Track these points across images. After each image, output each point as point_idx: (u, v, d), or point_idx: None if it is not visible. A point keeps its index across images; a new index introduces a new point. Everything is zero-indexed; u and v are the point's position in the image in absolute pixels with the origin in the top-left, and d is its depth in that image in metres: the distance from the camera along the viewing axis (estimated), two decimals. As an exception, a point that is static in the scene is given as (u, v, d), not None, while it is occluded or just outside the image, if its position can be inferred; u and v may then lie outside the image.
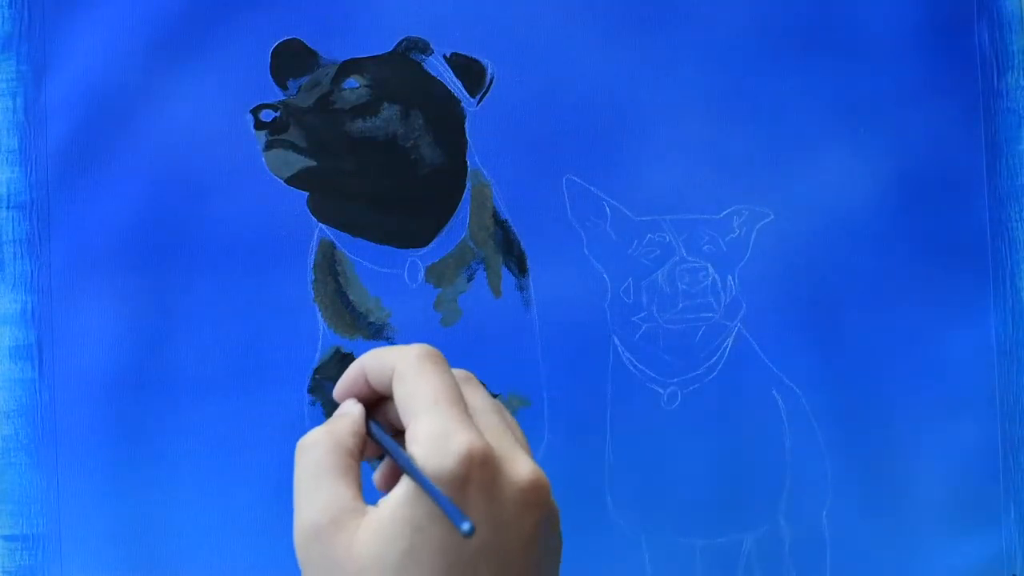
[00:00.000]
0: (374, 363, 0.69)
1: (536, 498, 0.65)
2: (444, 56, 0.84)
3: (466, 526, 0.61)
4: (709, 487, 0.84)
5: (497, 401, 0.69)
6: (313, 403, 0.84)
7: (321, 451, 0.67)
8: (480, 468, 0.64)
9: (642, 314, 0.85)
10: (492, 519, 0.64)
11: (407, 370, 0.67)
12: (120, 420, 0.83)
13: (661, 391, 0.85)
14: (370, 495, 0.65)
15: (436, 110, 0.84)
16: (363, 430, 0.69)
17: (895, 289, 0.85)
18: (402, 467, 0.64)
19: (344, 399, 0.70)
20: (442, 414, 0.65)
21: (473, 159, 0.84)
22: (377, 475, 0.70)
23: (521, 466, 0.65)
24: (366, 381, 0.69)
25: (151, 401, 0.83)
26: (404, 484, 0.64)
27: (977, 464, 0.85)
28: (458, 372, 0.69)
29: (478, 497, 0.64)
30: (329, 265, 0.84)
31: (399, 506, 0.64)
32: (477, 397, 0.68)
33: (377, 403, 0.69)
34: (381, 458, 0.70)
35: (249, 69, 0.84)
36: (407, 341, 0.84)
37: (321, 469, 0.67)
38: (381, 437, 0.68)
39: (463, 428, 0.64)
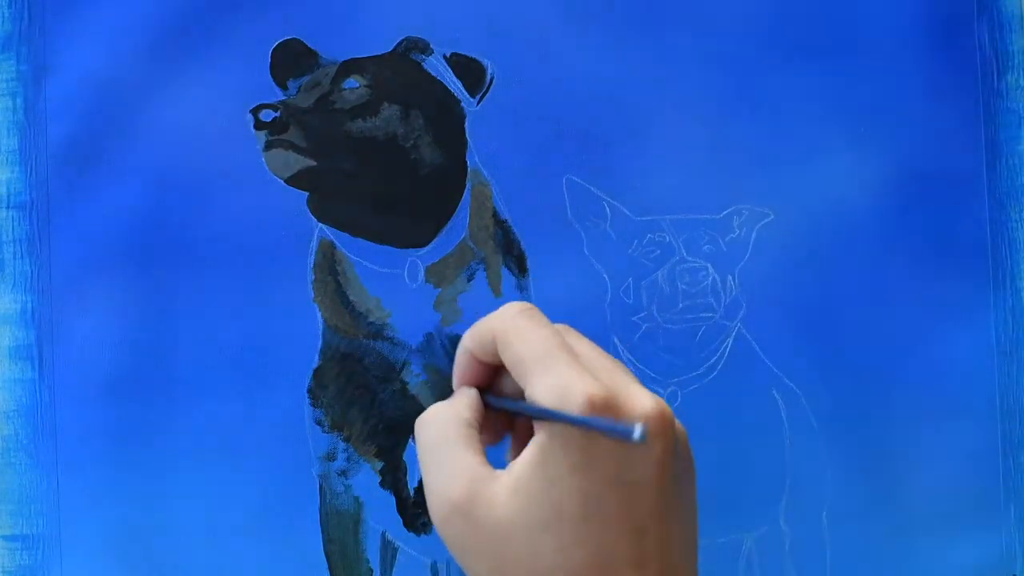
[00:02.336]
0: (475, 337, 0.70)
1: (660, 427, 0.66)
2: (444, 56, 0.84)
3: (637, 431, 0.62)
4: (709, 487, 0.84)
5: (598, 347, 0.70)
6: (313, 404, 0.84)
7: (443, 422, 0.69)
8: (603, 411, 0.65)
9: (642, 314, 0.85)
10: (621, 456, 0.66)
11: (507, 333, 0.69)
12: (120, 420, 0.83)
13: (661, 391, 0.85)
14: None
15: (436, 110, 0.84)
16: (480, 405, 0.70)
17: (895, 289, 0.85)
18: (538, 416, 0.66)
19: (462, 386, 0.71)
20: (554, 367, 0.66)
21: (473, 159, 0.84)
22: (509, 455, 0.71)
23: (640, 400, 0.66)
24: (475, 359, 0.71)
25: (151, 401, 0.83)
26: (532, 445, 0.66)
27: (977, 464, 0.85)
28: (557, 326, 0.70)
29: (602, 439, 0.65)
30: (329, 265, 0.84)
31: (531, 464, 0.66)
32: (582, 344, 0.70)
33: (492, 382, 0.71)
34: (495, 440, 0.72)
35: (249, 69, 0.84)
36: (407, 342, 0.84)
37: (446, 440, 0.68)
38: (503, 403, 0.69)
39: (578, 376, 0.66)
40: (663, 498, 0.66)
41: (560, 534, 0.65)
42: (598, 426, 0.64)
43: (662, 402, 0.67)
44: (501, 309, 0.70)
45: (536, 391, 0.66)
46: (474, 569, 0.68)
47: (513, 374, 0.68)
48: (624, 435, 0.63)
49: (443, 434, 0.68)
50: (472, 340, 0.71)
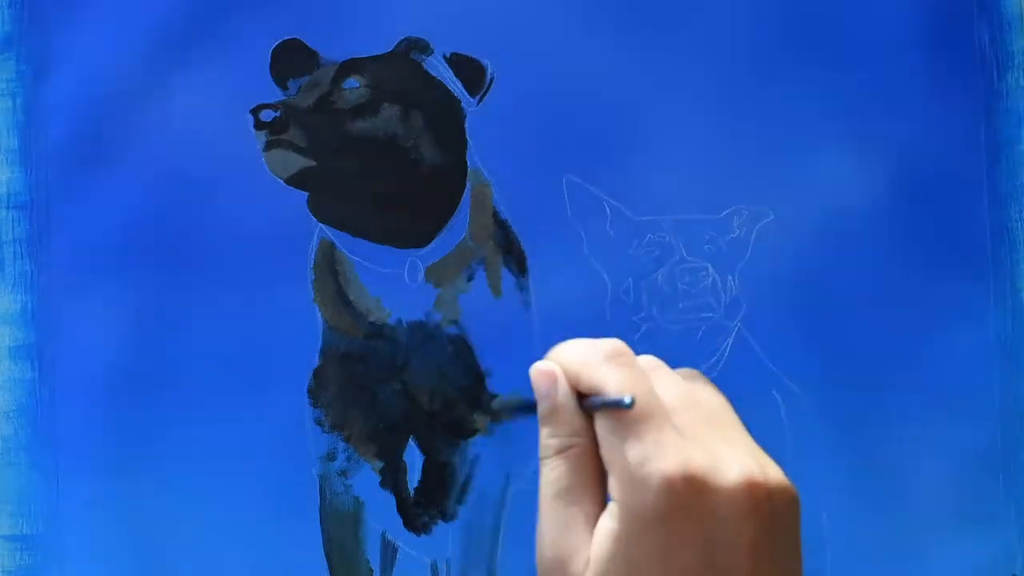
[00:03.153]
0: (561, 363, 0.63)
1: (751, 501, 0.59)
2: (444, 56, 0.84)
3: (627, 399, 0.58)
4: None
5: (692, 383, 0.63)
6: (313, 404, 0.84)
7: (570, 463, 0.62)
8: (683, 490, 0.58)
9: (642, 314, 0.85)
10: (707, 542, 0.59)
11: (592, 378, 0.61)
12: (120, 420, 0.83)
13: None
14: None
15: (436, 110, 0.84)
16: (595, 442, 0.62)
17: (895, 289, 0.85)
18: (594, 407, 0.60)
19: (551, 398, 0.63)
20: (632, 437, 0.59)
21: (473, 159, 0.84)
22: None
23: (729, 471, 0.59)
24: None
25: (151, 401, 0.83)
26: (609, 518, 0.60)
27: (977, 464, 0.85)
28: (645, 361, 0.63)
29: (686, 525, 0.59)
30: (329, 265, 0.84)
31: (612, 545, 0.59)
32: (670, 387, 0.62)
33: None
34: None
35: (249, 69, 0.84)
36: (407, 341, 0.84)
37: (571, 479, 0.62)
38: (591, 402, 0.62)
39: (656, 452, 0.59)
40: (755, 550, 0.60)
41: None
42: (596, 402, 0.60)
43: (754, 471, 0.59)
44: (591, 348, 0.62)
45: (609, 460, 0.60)
46: None
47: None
48: (615, 404, 0.59)
49: (562, 484, 0.62)
50: (559, 365, 0.63)
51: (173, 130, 0.83)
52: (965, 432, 0.85)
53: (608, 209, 0.85)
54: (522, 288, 0.84)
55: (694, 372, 0.64)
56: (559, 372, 0.63)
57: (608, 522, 0.60)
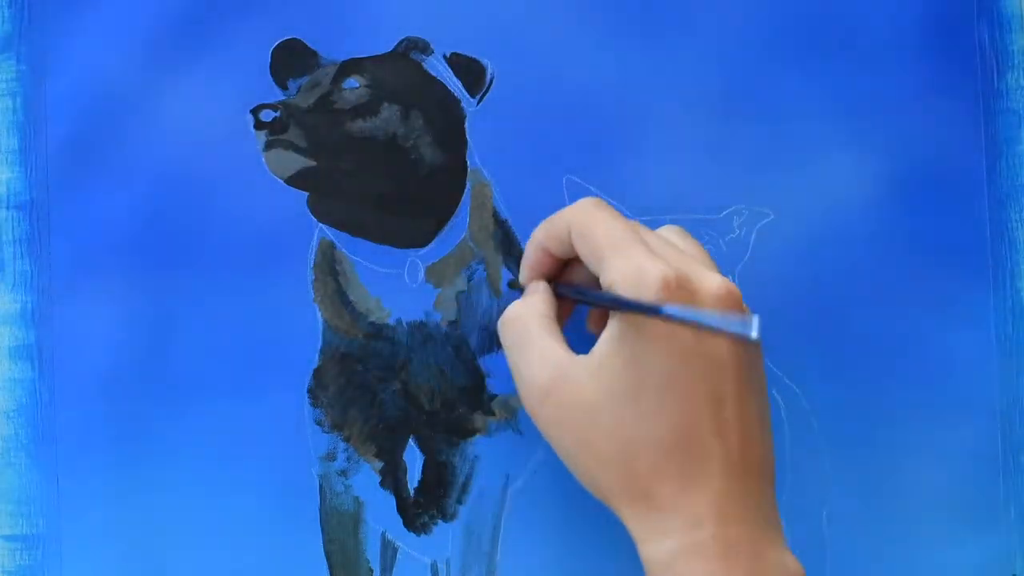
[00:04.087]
0: (549, 230, 0.76)
1: (732, 303, 0.71)
2: (444, 56, 0.84)
3: (754, 330, 0.66)
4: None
5: (679, 229, 0.75)
6: (313, 404, 0.84)
7: (523, 319, 0.74)
8: (678, 291, 0.70)
9: (642, 314, 0.85)
10: (698, 333, 0.70)
11: (584, 223, 0.73)
12: (120, 420, 0.83)
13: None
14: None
15: (436, 110, 0.84)
16: (554, 298, 0.76)
17: (895, 289, 0.85)
18: (619, 307, 0.71)
19: (531, 281, 0.77)
20: (629, 253, 0.71)
21: (473, 159, 0.84)
22: (588, 324, 0.77)
23: (711, 280, 0.71)
24: (547, 253, 0.76)
25: (151, 401, 0.83)
26: (611, 323, 0.71)
27: (977, 465, 0.85)
28: (631, 221, 0.74)
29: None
30: (329, 265, 0.84)
31: (612, 341, 0.71)
32: (651, 235, 0.74)
33: (560, 276, 0.77)
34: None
35: (249, 69, 0.84)
36: (407, 341, 0.84)
37: (529, 334, 0.74)
38: (575, 291, 0.75)
39: (651, 260, 0.70)
40: (739, 370, 0.71)
41: (643, 405, 0.70)
42: (711, 324, 0.68)
43: (730, 282, 0.71)
44: (576, 203, 0.74)
45: (611, 275, 0.71)
46: (565, 447, 0.73)
47: (587, 262, 0.73)
48: (742, 333, 0.66)
49: (525, 329, 0.74)
50: (545, 233, 0.76)
51: (173, 130, 0.83)
52: (965, 432, 0.85)
53: (608, 209, 0.85)
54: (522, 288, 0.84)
55: (636, 222, 0.75)
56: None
57: (608, 329, 0.71)
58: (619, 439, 0.70)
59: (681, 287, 0.70)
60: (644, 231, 0.74)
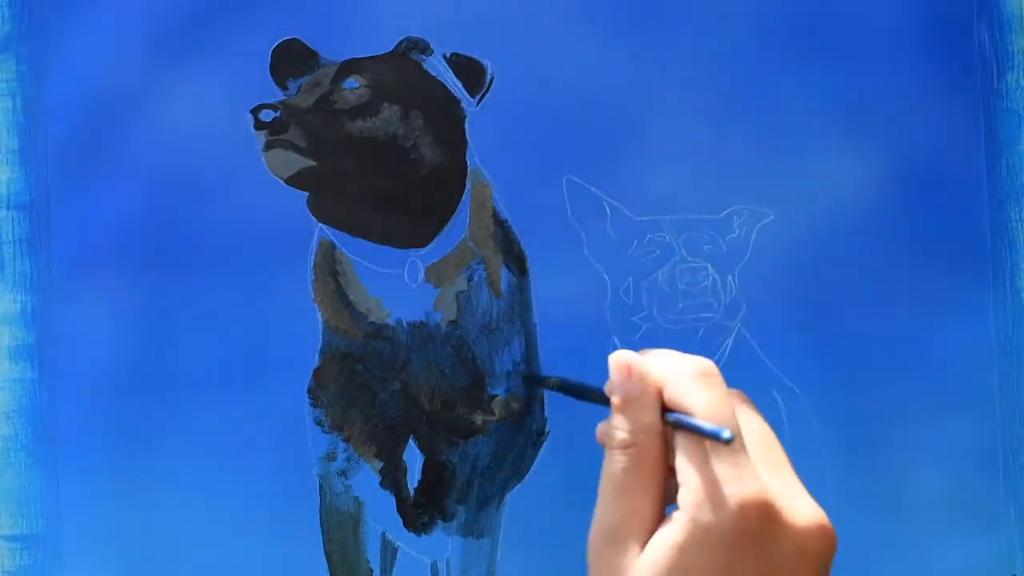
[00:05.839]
0: (650, 369, 0.65)
1: (818, 546, 0.62)
2: (444, 56, 0.84)
3: (726, 433, 0.59)
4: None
5: (769, 427, 0.65)
6: (313, 404, 0.84)
7: (633, 461, 0.64)
8: (756, 516, 0.61)
9: (642, 314, 0.85)
10: (765, 570, 0.61)
11: (680, 392, 0.64)
12: (120, 420, 0.83)
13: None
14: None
15: (436, 110, 0.84)
16: (665, 429, 0.65)
17: (895, 289, 0.85)
18: (687, 426, 0.62)
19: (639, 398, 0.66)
20: (714, 457, 0.62)
21: (473, 159, 0.84)
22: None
23: (802, 510, 0.62)
24: (657, 389, 0.65)
25: (151, 401, 0.83)
26: (677, 527, 0.62)
27: (977, 464, 0.85)
28: (731, 392, 0.65)
29: (751, 549, 0.61)
30: (329, 265, 0.84)
31: (670, 555, 0.62)
32: (753, 422, 0.65)
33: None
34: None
35: (249, 69, 0.84)
36: (407, 341, 0.84)
37: (630, 477, 0.64)
38: (678, 419, 0.65)
39: (735, 475, 0.61)
40: None
41: None
42: (691, 425, 0.61)
43: (824, 517, 0.63)
44: (684, 361, 0.65)
45: (689, 478, 0.62)
46: None
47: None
48: (713, 435, 0.60)
49: (630, 473, 0.64)
50: (648, 370, 0.66)
51: (173, 130, 0.83)
52: (965, 432, 0.85)
53: (608, 209, 0.85)
54: (522, 288, 0.84)
55: (742, 394, 0.66)
56: (639, 368, 0.65)
57: (672, 532, 0.62)
58: None
59: (763, 515, 0.61)
60: (747, 414, 0.65)
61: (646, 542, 0.63)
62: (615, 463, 0.65)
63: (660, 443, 0.64)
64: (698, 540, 0.61)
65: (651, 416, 0.65)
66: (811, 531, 0.62)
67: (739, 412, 0.65)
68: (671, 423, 0.63)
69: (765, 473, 0.62)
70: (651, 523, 0.63)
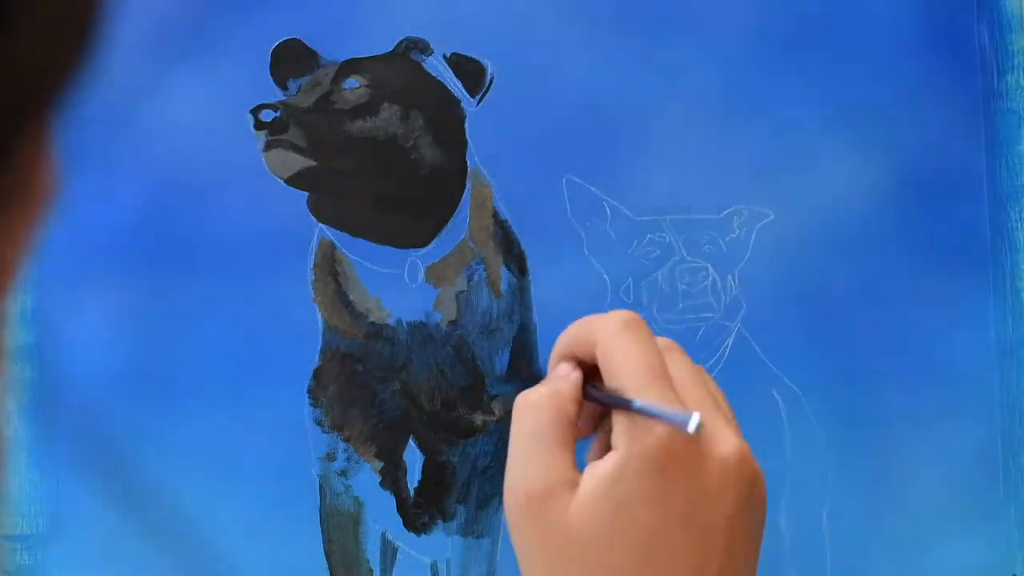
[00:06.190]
0: (576, 340, 0.70)
1: (738, 475, 0.66)
2: (444, 56, 0.84)
3: (692, 424, 0.63)
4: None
5: (702, 370, 0.69)
6: (313, 404, 0.84)
7: (543, 416, 0.68)
8: (684, 445, 0.65)
9: (642, 314, 0.85)
10: (693, 496, 0.65)
11: (610, 342, 0.68)
12: (120, 420, 0.83)
13: (661, 391, 0.85)
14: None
15: (436, 110, 0.84)
16: (581, 396, 0.70)
17: (895, 289, 0.85)
18: (642, 411, 0.66)
19: (568, 370, 0.70)
20: (646, 394, 0.66)
21: (473, 159, 0.84)
22: (589, 454, 0.71)
23: (725, 443, 0.66)
24: (573, 357, 0.70)
25: (151, 401, 0.83)
26: (609, 461, 0.66)
27: (977, 465, 0.85)
28: (661, 341, 0.69)
29: (679, 475, 0.65)
30: (329, 265, 0.84)
31: (605, 482, 0.65)
32: (681, 367, 0.69)
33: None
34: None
35: (249, 69, 0.84)
36: (407, 341, 0.84)
37: (541, 434, 0.68)
38: (598, 396, 0.69)
39: (662, 403, 0.65)
40: (730, 545, 0.66)
41: (620, 558, 0.66)
42: (655, 413, 0.64)
43: (746, 448, 0.66)
44: (609, 316, 0.69)
45: (621, 412, 0.66)
46: (530, 563, 0.69)
47: (607, 383, 0.68)
48: (679, 423, 0.63)
49: (543, 427, 0.68)
50: (573, 342, 0.70)
51: (173, 130, 0.83)
52: (965, 432, 0.85)
53: (608, 209, 0.85)
54: (522, 288, 0.84)
55: (670, 341, 0.70)
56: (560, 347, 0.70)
57: (605, 465, 0.66)
58: None
59: (690, 442, 0.65)
60: (677, 360, 0.69)
61: (572, 491, 0.66)
62: (539, 413, 0.68)
63: (577, 393, 0.69)
64: (631, 469, 0.65)
65: (568, 369, 0.70)
66: (732, 458, 0.65)
67: (667, 355, 0.69)
68: (638, 410, 0.65)
69: (691, 407, 0.66)
70: (573, 473, 0.67)
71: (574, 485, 0.67)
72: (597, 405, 0.71)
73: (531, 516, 0.67)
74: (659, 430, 0.65)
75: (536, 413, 0.69)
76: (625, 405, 0.66)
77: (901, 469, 0.85)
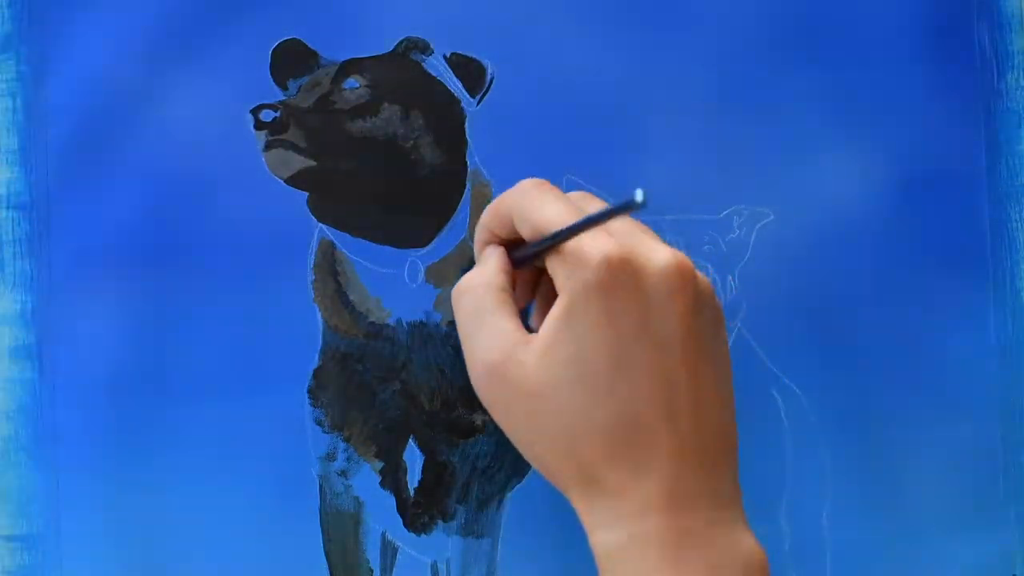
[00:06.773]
0: (494, 214, 0.74)
1: (680, 280, 0.69)
2: (444, 56, 0.84)
3: (639, 195, 0.65)
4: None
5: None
6: (313, 404, 0.84)
7: (479, 292, 0.72)
8: (620, 266, 0.68)
9: (642, 314, 0.85)
10: (642, 311, 0.68)
11: (525, 207, 0.72)
12: (120, 420, 0.83)
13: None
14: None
15: (436, 110, 0.84)
16: (509, 265, 0.73)
17: (895, 289, 0.85)
18: (567, 234, 0.69)
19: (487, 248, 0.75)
20: (575, 239, 0.69)
21: (473, 159, 0.84)
22: (533, 321, 0.75)
23: (658, 254, 0.69)
24: (495, 236, 0.74)
25: (151, 401, 0.83)
26: (556, 306, 0.69)
27: (977, 465, 0.85)
28: (574, 194, 0.74)
29: (623, 294, 0.68)
30: (329, 265, 0.84)
31: (557, 324, 0.69)
32: (598, 203, 0.73)
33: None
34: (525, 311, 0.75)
35: (249, 69, 0.84)
36: (407, 341, 0.84)
37: (482, 309, 0.72)
38: (529, 250, 0.72)
39: (592, 237, 0.68)
40: (691, 351, 0.69)
41: (590, 390, 0.68)
42: (608, 212, 0.67)
43: (681, 255, 0.69)
44: (517, 186, 0.73)
45: (553, 258, 0.69)
46: (511, 428, 0.71)
47: (531, 240, 0.72)
48: (626, 206, 0.65)
49: (479, 302, 0.72)
50: (491, 217, 0.74)
51: (173, 130, 0.83)
52: (965, 432, 0.85)
53: (608, 209, 0.85)
54: (522, 288, 0.84)
55: (586, 192, 0.75)
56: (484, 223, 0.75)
57: (554, 310, 0.69)
58: (565, 424, 0.69)
59: (624, 261, 0.68)
60: (593, 205, 0.73)
61: (526, 349, 0.70)
62: (471, 293, 0.72)
63: (505, 267, 0.73)
64: (578, 299, 0.68)
65: (489, 248, 0.74)
66: (670, 269, 0.68)
67: (582, 201, 0.73)
68: (573, 231, 0.68)
69: (620, 237, 0.69)
70: (522, 334, 0.70)
71: (527, 343, 0.70)
72: (530, 271, 0.74)
73: (496, 384, 0.70)
74: (593, 257, 0.67)
75: (471, 293, 0.72)
76: (555, 238, 0.69)
77: (901, 469, 0.85)
